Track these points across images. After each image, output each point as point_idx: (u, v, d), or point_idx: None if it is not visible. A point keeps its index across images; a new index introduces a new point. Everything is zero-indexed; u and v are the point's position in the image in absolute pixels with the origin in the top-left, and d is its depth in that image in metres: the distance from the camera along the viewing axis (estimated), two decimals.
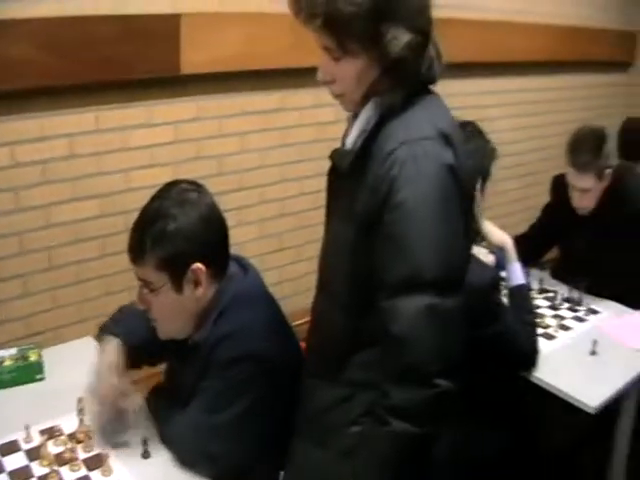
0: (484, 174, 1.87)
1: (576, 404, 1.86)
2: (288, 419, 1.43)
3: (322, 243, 1.36)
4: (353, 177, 1.21)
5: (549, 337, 2.16)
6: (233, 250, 1.54)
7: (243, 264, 1.58)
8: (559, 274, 2.60)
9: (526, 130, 4.07)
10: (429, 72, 1.20)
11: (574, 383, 1.92)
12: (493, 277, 1.82)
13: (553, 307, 2.36)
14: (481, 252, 1.99)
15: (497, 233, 2.07)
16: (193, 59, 2.45)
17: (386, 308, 1.13)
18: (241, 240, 2.65)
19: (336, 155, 1.29)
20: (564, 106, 4.24)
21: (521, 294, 2.02)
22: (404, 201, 1.11)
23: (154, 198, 1.46)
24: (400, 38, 1.11)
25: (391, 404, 1.13)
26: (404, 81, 1.17)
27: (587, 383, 1.92)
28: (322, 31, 1.13)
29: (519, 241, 2.70)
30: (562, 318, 2.29)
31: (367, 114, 1.21)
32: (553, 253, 2.78)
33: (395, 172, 1.12)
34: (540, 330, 2.18)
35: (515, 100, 3.94)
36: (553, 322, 2.24)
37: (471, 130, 1.88)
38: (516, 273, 2.04)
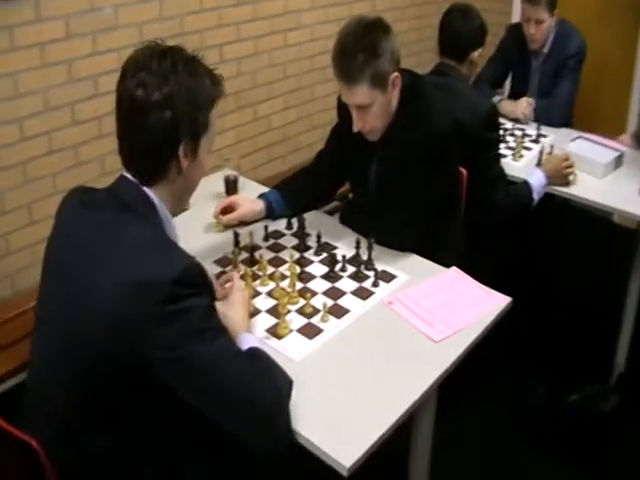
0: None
1: (331, 464, 1.18)
2: None
3: None
4: None
5: (312, 333, 1.46)
6: None
7: None
8: (348, 219, 1.91)
9: (339, 22, 3.27)
10: None
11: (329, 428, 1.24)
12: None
13: (330, 275, 1.65)
14: None
15: None
16: None
17: None
18: None
19: None
20: None
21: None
22: None
23: None
24: None
25: None
26: None
27: (347, 428, 1.24)
28: None
29: (301, 176, 2.00)
30: (341, 294, 1.59)
31: None
32: None
33: None
34: (304, 320, 1.49)
35: None
36: (319, 303, 1.50)
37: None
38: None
